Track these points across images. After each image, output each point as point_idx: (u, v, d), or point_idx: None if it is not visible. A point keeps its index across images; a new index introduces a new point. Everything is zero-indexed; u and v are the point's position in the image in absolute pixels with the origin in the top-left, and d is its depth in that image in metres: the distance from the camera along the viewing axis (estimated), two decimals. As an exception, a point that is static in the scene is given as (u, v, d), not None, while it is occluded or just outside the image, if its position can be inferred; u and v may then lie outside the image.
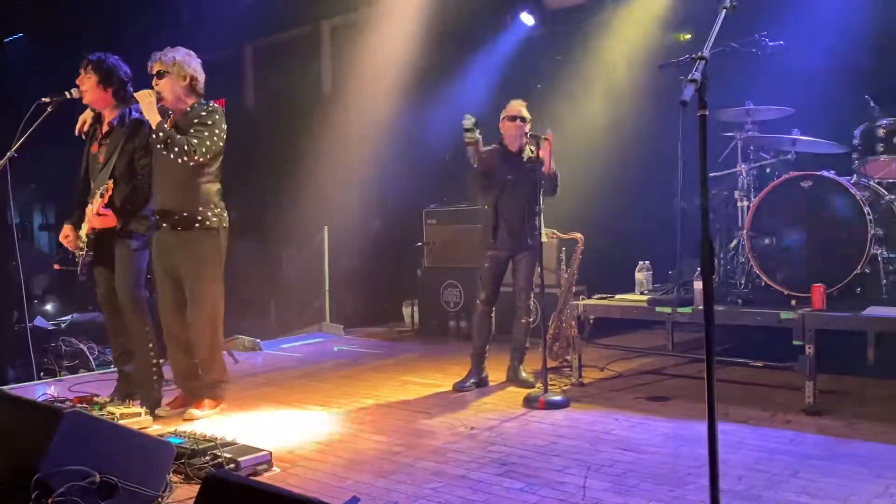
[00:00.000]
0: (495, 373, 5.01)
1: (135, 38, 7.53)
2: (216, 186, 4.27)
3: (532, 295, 4.91)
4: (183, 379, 4.39)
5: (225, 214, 4.29)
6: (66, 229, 4.35)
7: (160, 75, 4.15)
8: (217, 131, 4.15)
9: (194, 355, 4.32)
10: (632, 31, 6.77)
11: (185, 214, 4.16)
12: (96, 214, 4.10)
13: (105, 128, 4.34)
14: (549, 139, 4.61)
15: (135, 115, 4.32)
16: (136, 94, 4.13)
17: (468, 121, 4.55)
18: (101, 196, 4.04)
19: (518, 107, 4.84)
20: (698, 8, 6.05)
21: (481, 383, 4.88)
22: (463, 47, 7.70)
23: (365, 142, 8.44)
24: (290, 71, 9.37)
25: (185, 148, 4.02)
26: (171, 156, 4.03)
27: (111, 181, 4.07)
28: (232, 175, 4.42)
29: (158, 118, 4.05)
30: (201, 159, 4.08)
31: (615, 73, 6.76)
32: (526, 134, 4.77)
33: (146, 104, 4.06)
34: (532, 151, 4.82)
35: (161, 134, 4.02)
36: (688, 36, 6.42)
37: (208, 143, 4.09)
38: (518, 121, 4.79)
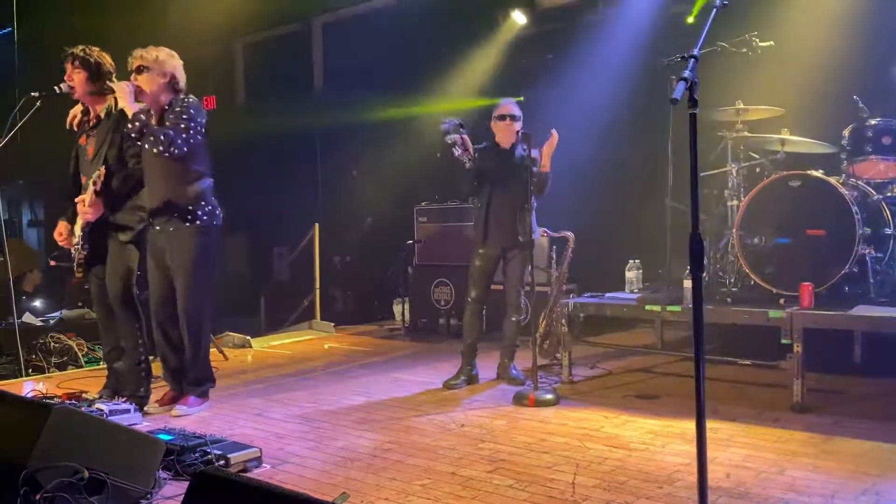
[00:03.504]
0: (486, 370, 5.01)
1: (123, 34, 7.50)
2: (207, 183, 4.25)
3: (522, 293, 4.92)
4: (171, 376, 4.38)
5: (217, 212, 4.28)
6: (61, 226, 4.31)
7: (140, 70, 4.12)
8: (193, 124, 4.09)
9: (183, 352, 4.31)
10: (622, 29, 6.79)
11: (174, 212, 4.15)
12: (88, 205, 4.08)
13: (93, 120, 4.32)
14: (553, 138, 4.62)
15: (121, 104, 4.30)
16: (112, 85, 4.09)
17: (444, 125, 4.64)
18: (94, 183, 4.02)
19: (508, 105, 4.86)
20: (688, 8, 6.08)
21: (472, 380, 4.89)
22: (455, 45, 7.71)
23: (356, 139, 8.45)
24: (281, 67, 9.36)
25: (161, 139, 3.97)
26: (147, 146, 4.00)
27: (102, 167, 4.04)
28: (222, 171, 4.41)
29: (134, 109, 4.01)
30: (177, 151, 4.01)
31: (606, 72, 6.78)
32: (517, 132, 4.78)
33: (122, 94, 4.01)
34: (525, 149, 4.84)
35: (136, 124, 3.98)
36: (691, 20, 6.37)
37: (184, 135, 4.04)
38: (508, 119, 4.80)
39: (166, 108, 4.17)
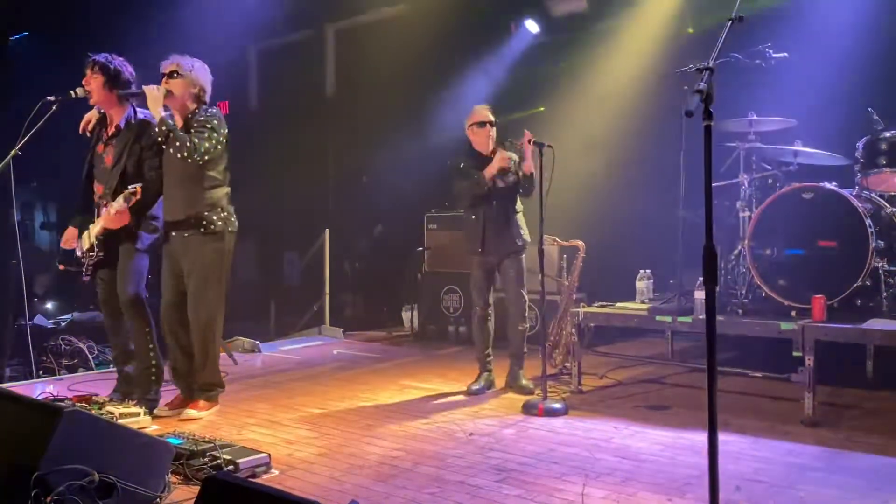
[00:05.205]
0: (499, 380, 5.00)
1: (139, 38, 7.55)
2: (224, 191, 4.30)
3: (526, 300, 4.91)
4: (182, 379, 4.40)
5: (233, 219, 4.33)
6: (71, 232, 4.35)
7: (173, 75, 4.18)
8: (216, 134, 4.18)
9: (193, 356, 4.33)
10: (635, 38, 6.79)
11: (190, 219, 4.19)
12: (115, 214, 4.11)
13: (111, 129, 4.36)
14: (529, 139, 4.56)
15: (140, 115, 4.35)
16: (144, 88, 4.14)
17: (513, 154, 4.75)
18: (127, 200, 4.04)
19: (484, 111, 4.84)
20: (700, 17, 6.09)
21: (491, 385, 4.93)
22: (467, 53, 7.72)
23: (367, 146, 8.47)
24: (293, 73, 9.40)
25: (187, 144, 4.05)
26: (171, 150, 4.07)
27: (139, 185, 4.08)
28: (234, 176, 4.44)
29: (163, 113, 4.08)
30: (199, 159, 4.10)
31: (618, 81, 6.78)
32: (531, 141, 4.75)
33: (153, 98, 4.09)
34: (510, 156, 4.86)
35: (164, 128, 4.04)
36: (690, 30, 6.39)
37: (207, 144, 4.12)
38: (488, 125, 4.79)
39: (190, 115, 4.22)
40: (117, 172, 4.23)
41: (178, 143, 4.04)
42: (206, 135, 4.12)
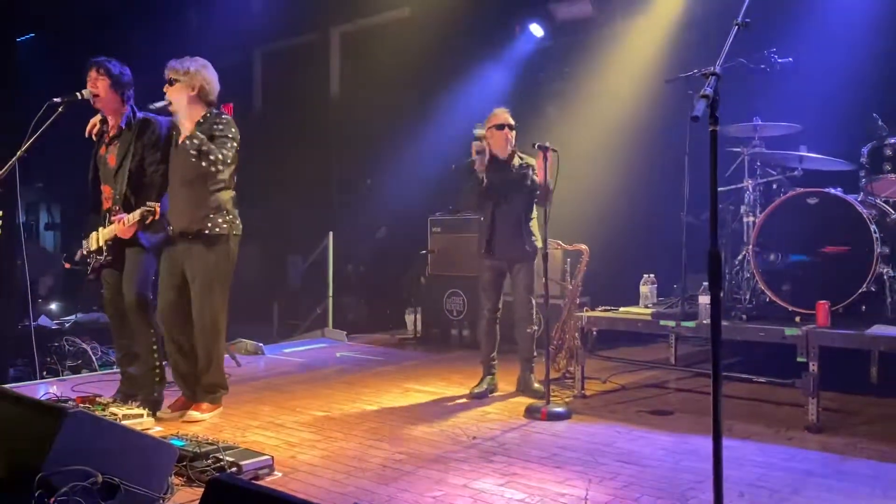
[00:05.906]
0: (503, 383, 5.00)
1: (145, 41, 7.57)
2: (229, 194, 4.31)
3: (534, 303, 4.90)
4: (184, 381, 4.40)
5: (237, 222, 4.33)
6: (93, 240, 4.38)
7: (171, 82, 4.20)
8: (235, 143, 4.25)
9: (195, 358, 4.33)
10: (639, 43, 6.79)
11: (194, 222, 4.20)
12: (128, 226, 4.12)
13: (113, 130, 4.37)
14: (548, 153, 4.55)
15: (139, 114, 4.36)
16: (170, 97, 4.17)
17: (480, 130, 4.68)
18: (144, 217, 4.06)
19: (503, 115, 4.84)
20: (705, 23, 6.09)
21: (494, 389, 4.93)
22: (471, 57, 7.73)
23: (371, 149, 8.49)
24: (298, 76, 9.43)
25: (219, 157, 4.10)
26: (204, 164, 4.08)
27: (157, 205, 4.10)
28: (238, 179, 4.45)
29: (191, 125, 4.09)
30: (222, 168, 4.16)
31: (622, 86, 6.78)
32: (534, 144, 4.76)
33: (181, 108, 4.12)
34: (521, 158, 4.85)
35: (196, 141, 4.05)
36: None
37: (230, 154, 4.20)
38: (505, 129, 4.78)
39: (201, 120, 4.22)
40: (123, 174, 4.25)
41: (211, 157, 4.08)
42: (228, 145, 4.19)
